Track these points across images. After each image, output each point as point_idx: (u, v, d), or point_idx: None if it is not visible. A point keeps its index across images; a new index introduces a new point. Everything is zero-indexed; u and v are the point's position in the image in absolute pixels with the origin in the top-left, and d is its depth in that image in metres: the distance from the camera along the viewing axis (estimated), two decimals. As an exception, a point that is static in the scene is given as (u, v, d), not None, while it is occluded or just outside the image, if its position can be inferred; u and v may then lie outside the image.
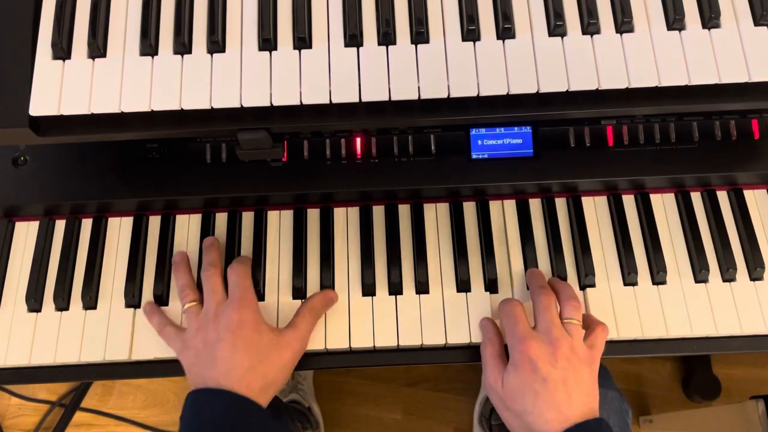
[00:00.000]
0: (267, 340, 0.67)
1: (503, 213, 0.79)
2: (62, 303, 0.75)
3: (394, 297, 0.75)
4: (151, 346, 0.73)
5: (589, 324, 0.69)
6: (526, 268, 0.76)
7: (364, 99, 0.62)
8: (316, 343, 0.73)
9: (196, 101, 0.62)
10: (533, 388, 0.63)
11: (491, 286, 0.75)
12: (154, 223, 0.80)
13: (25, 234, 0.79)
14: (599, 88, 0.62)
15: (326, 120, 0.64)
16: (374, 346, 0.73)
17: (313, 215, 0.80)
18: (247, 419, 0.63)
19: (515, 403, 0.64)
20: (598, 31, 0.64)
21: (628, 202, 0.80)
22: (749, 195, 0.80)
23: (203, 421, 0.62)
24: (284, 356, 0.68)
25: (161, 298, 0.75)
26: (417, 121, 0.71)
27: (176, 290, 0.73)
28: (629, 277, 0.75)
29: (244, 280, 0.70)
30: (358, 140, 0.78)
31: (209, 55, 0.64)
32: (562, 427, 0.61)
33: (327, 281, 0.75)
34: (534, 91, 0.62)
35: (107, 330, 0.74)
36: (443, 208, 0.80)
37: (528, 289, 0.73)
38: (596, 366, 0.66)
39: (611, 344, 0.74)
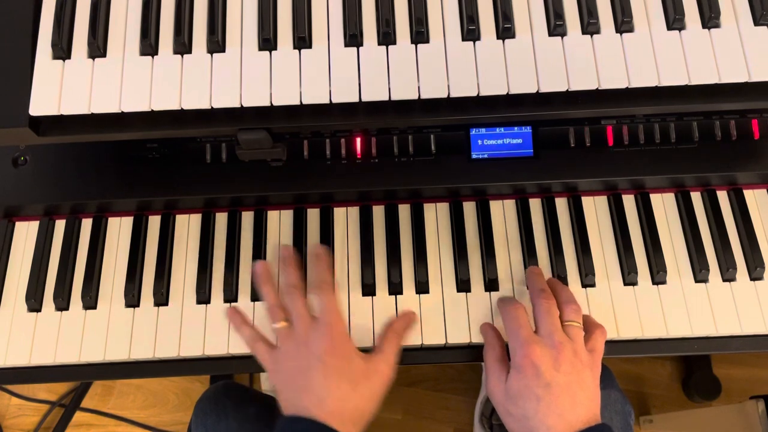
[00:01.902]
0: (357, 368, 0.66)
1: (503, 213, 0.79)
2: (62, 303, 0.75)
3: (394, 297, 0.75)
4: (151, 346, 0.73)
5: (588, 327, 0.69)
6: (526, 268, 0.76)
7: (364, 99, 0.62)
8: (316, 343, 0.73)
9: (196, 101, 0.62)
10: (536, 393, 0.62)
11: (491, 285, 0.75)
12: (154, 223, 0.80)
13: (25, 234, 0.79)
14: (599, 88, 0.62)
15: (326, 120, 0.64)
16: (374, 346, 0.73)
17: (313, 215, 0.80)
18: None
19: (517, 408, 0.63)
20: (598, 31, 0.64)
21: (628, 202, 0.80)
22: (749, 195, 0.80)
23: None
24: (375, 384, 0.67)
25: (164, 298, 0.76)
26: (417, 121, 0.71)
27: (266, 307, 0.72)
28: (629, 277, 0.75)
29: (332, 304, 0.69)
30: (358, 140, 0.78)
31: (209, 55, 0.64)
32: None
33: (327, 281, 0.75)
34: (534, 91, 0.62)
35: (107, 330, 0.74)
36: (443, 208, 0.80)
37: (528, 288, 0.73)
38: (598, 370, 0.66)
39: (611, 344, 0.74)
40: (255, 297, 0.75)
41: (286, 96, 0.62)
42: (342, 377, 0.64)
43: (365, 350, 0.73)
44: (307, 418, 0.62)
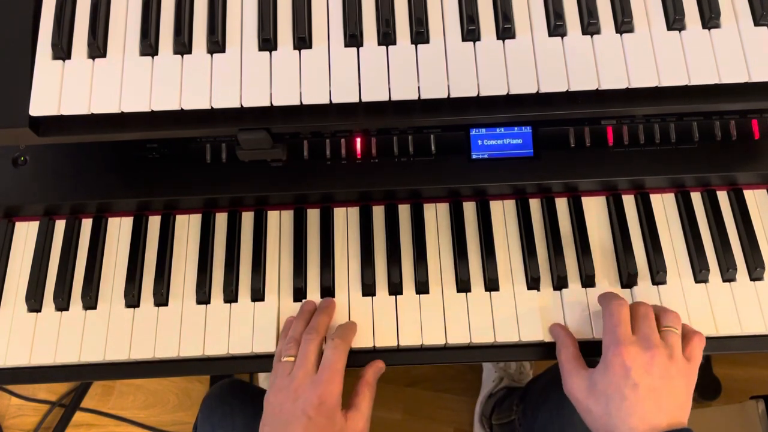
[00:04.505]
0: (337, 428, 0.65)
1: (503, 213, 0.79)
2: (62, 303, 0.75)
3: (394, 297, 0.75)
4: (151, 346, 0.73)
5: (686, 333, 0.68)
6: (526, 268, 0.76)
7: (364, 99, 0.62)
8: (316, 343, 0.73)
9: (196, 101, 0.62)
10: (622, 393, 0.61)
11: (491, 286, 0.75)
12: (154, 223, 0.80)
13: (25, 234, 0.79)
14: (599, 88, 0.62)
15: (326, 120, 0.64)
16: (374, 347, 0.73)
17: (313, 215, 0.80)
18: None
19: (598, 405, 0.63)
20: (598, 31, 0.64)
21: (628, 202, 0.80)
22: (749, 195, 0.80)
23: None
24: None
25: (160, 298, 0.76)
26: (417, 121, 0.71)
27: (285, 336, 0.72)
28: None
29: (338, 362, 0.67)
30: (358, 140, 0.78)
31: (209, 55, 0.64)
32: None
33: (327, 281, 0.76)
34: (534, 91, 0.62)
35: (107, 330, 0.74)
36: (443, 208, 0.80)
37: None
38: (693, 378, 0.65)
39: (611, 344, 0.74)
40: (255, 298, 0.75)
41: (286, 96, 0.62)
42: None
43: (366, 351, 0.73)
44: None
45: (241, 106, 0.62)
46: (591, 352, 0.70)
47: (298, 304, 0.75)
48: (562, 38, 0.64)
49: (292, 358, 0.68)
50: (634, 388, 0.61)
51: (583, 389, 0.65)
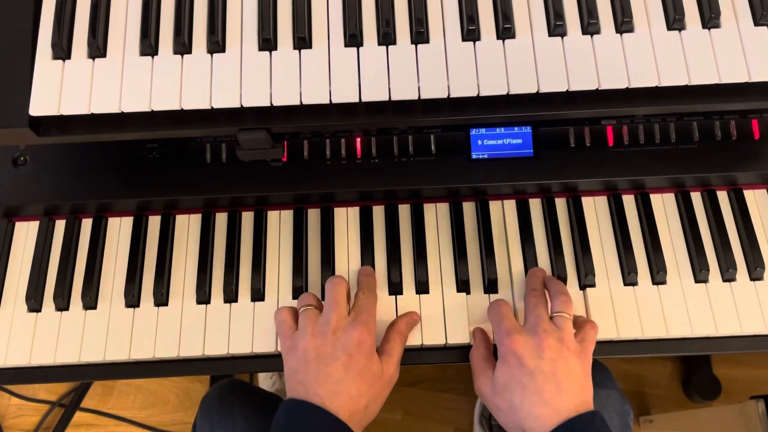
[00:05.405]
0: (375, 371, 0.66)
1: (503, 213, 0.79)
2: (62, 303, 0.75)
3: (394, 297, 0.75)
4: (151, 346, 0.73)
5: (578, 323, 0.69)
6: (526, 268, 0.76)
7: (364, 99, 0.62)
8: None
9: (196, 101, 0.62)
10: (521, 383, 0.62)
11: (491, 286, 0.75)
12: (154, 223, 0.80)
13: (25, 234, 0.79)
14: (599, 88, 0.62)
15: (326, 120, 0.64)
16: (379, 348, 0.73)
17: (313, 215, 0.80)
18: None
19: (504, 400, 0.64)
20: (598, 31, 0.64)
21: (628, 202, 0.80)
22: (749, 195, 0.80)
23: None
24: (384, 387, 0.68)
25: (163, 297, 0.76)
26: (417, 121, 0.71)
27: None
28: (629, 277, 0.75)
29: (372, 307, 0.69)
30: (358, 140, 0.78)
31: (209, 55, 0.64)
32: (554, 422, 0.60)
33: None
34: (534, 91, 0.62)
35: (107, 330, 0.74)
36: (443, 208, 0.80)
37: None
38: (588, 360, 0.66)
39: (611, 344, 0.74)
40: (255, 298, 0.75)
41: (286, 96, 0.62)
42: (361, 376, 0.64)
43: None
44: (318, 405, 0.62)
45: (241, 106, 0.62)
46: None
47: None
48: (562, 38, 0.64)
49: (311, 307, 0.69)
50: (530, 375, 0.62)
51: (488, 388, 0.66)
